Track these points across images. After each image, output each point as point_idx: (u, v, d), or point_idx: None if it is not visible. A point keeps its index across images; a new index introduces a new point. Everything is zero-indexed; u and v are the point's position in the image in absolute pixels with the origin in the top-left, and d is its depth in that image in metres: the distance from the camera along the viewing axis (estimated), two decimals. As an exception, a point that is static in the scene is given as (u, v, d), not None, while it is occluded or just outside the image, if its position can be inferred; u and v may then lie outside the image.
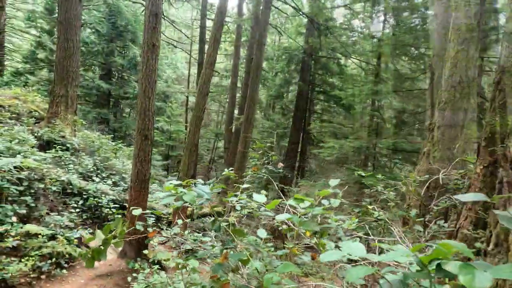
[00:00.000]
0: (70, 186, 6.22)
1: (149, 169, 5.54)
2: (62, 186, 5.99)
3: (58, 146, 7.29)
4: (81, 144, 8.08)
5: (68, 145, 7.71)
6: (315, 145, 18.99)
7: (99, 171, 7.66)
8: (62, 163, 7.02)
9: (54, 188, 5.72)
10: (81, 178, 6.87)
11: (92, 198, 6.30)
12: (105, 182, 7.21)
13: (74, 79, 9.29)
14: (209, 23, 22.03)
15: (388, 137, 9.53)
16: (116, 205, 6.70)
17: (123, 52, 16.50)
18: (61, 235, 5.13)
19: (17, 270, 4.05)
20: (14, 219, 4.58)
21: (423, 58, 10.31)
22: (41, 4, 18.88)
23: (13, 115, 8.48)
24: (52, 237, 5.05)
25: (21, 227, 4.63)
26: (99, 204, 6.38)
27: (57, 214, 5.54)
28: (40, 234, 4.79)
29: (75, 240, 5.22)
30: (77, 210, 5.90)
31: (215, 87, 26.79)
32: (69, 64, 9.14)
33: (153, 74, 5.21)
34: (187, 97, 26.48)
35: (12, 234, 4.33)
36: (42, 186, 5.53)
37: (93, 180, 7.04)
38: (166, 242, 6.69)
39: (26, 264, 4.22)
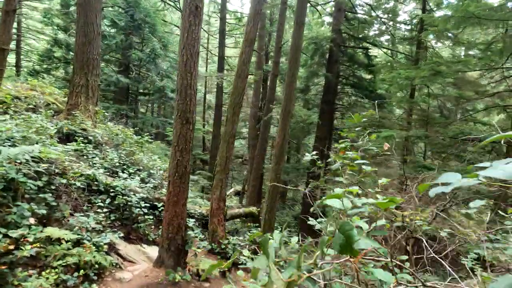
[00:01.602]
0: (96, 182, 5.34)
1: (190, 160, 4.61)
2: (87, 182, 5.12)
3: (80, 139, 6.45)
4: (105, 136, 7.24)
5: (90, 137, 6.87)
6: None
7: (124, 166, 6.79)
8: (85, 157, 6.17)
9: (78, 184, 4.84)
10: (107, 174, 6.00)
11: (120, 197, 5.41)
12: (133, 178, 6.32)
13: (95, 67, 8.49)
14: (235, 7, 21.16)
15: (441, 126, 8.40)
16: (147, 204, 5.80)
17: (142, 45, 15.76)
18: (88, 240, 4.24)
19: (36, 287, 3.15)
20: (32, 220, 3.70)
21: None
22: (56, 1, 18.37)
23: (30, 107, 7.72)
24: (78, 243, 4.17)
25: (41, 231, 3.74)
26: (129, 203, 5.48)
27: (82, 214, 4.65)
28: (63, 239, 3.91)
29: (105, 246, 4.33)
30: (104, 210, 5.01)
31: (229, 85, 25.96)
32: (89, 51, 8.33)
33: (196, 44, 4.27)
34: (205, 94, 25.74)
35: (30, 239, 3.44)
36: (64, 181, 4.66)
37: (119, 176, 6.17)
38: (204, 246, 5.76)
39: (47, 278, 3.33)
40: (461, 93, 8.75)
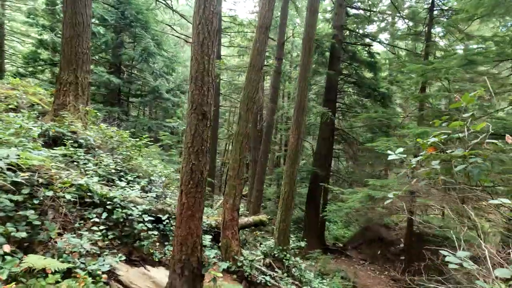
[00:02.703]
0: (89, 194, 4.44)
1: (207, 164, 3.76)
2: (79, 194, 4.21)
3: (69, 142, 5.54)
4: (98, 139, 6.32)
5: (81, 140, 5.95)
6: (347, 141, 17.21)
7: (122, 173, 5.88)
8: (75, 163, 5.26)
9: (68, 197, 3.93)
10: (102, 183, 5.10)
11: (119, 210, 4.52)
12: (132, 187, 5.42)
13: (84, 62, 7.57)
14: (224, 10, 20.37)
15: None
16: (151, 218, 4.92)
17: (134, 44, 14.80)
18: (82, 269, 3.34)
19: None
20: (6, 248, 2.80)
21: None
22: (42, 0, 17.27)
23: (10, 107, 6.76)
24: (68, 272, 3.27)
25: (20, 261, 2.84)
26: (129, 217, 4.59)
27: (73, 234, 3.75)
28: (49, 269, 3.01)
29: (104, 276, 3.43)
30: (101, 227, 4.11)
31: (226, 85, 25.08)
32: (78, 44, 7.42)
33: (214, 19, 3.44)
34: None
35: (3, 276, 2.53)
36: (50, 194, 3.75)
37: (116, 185, 5.27)
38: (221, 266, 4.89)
39: (28, 330, 2.44)
40: (484, 86, 8.08)
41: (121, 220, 4.49)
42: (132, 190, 5.09)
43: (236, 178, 5.64)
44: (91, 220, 4.21)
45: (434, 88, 13.37)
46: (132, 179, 5.81)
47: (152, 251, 4.76)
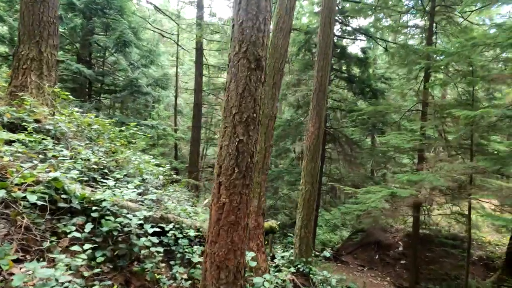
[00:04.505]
0: (64, 196, 2.97)
1: (258, 144, 2.45)
2: (49, 195, 2.74)
3: (31, 127, 4.00)
4: (71, 127, 4.78)
5: (49, 127, 4.41)
6: (339, 140, 16.28)
7: (106, 171, 4.39)
8: (41, 156, 3.73)
9: (31, 199, 2.46)
10: (85, 182, 3.62)
11: (110, 219, 3.07)
12: (121, 187, 3.95)
13: (51, 34, 5.99)
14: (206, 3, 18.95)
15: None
16: (155, 228, 3.49)
17: (106, 32, 13.02)
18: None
19: None
20: None
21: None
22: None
23: None
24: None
25: None
26: (125, 228, 3.16)
27: (39, 259, 2.30)
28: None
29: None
30: (85, 246, 2.66)
31: (205, 85, 23.55)
32: (42, 11, 5.85)
33: None
34: (176, 97, 23.29)
35: None
36: (1, 194, 2.28)
37: (101, 185, 3.79)
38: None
39: None
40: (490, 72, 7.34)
41: (115, 233, 3.04)
42: (127, 190, 3.63)
43: (260, 172, 4.34)
44: (69, 236, 2.74)
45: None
46: (120, 177, 4.33)
47: (157, 276, 3.33)
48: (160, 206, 4.28)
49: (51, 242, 2.56)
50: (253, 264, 3.33)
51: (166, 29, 23.50)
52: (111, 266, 2.98)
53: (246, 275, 4.30)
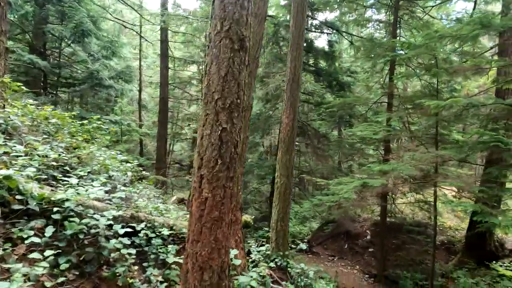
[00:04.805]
0: (19, 197, 2.61)
1: (242, 132, 2.27)
2: (1, 196, 2.38)
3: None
4: (25, 121, 4.28)
5: (-2, 121, 3.92)
6: (307, 133, 16.43)
7: (67, 168, 3.98)
8: (-10, 152, 3.28)
9: (-22, 201, 2.11)
10: (43, 181, 3.23)
11: (74, 220, 2.74)
12: (84, 185, 3.59)
13: (-2, 17, 5.37)
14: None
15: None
16: (127, 228, 3.19)
17: (62, 21, 12.09)
18: None
19: None
20: None
21: None
22: None
23: None
24: None
25: None
26: (92, 230, 2.85)
27: (-8, 272, 1.97)
28: None
29: None
30: (46, 252, 2.34)
31: (171, 79, 22.78)
32: (-14, -10, 5.22)
33: None
34: (140, 91, 22.37)
35: None
36: None
37: (62, 184, 3.41)
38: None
39: None
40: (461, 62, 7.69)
41: (80, 236, 2.72)
42: (93, 188, 3.29)
43: (238, 165, 4.14)
44: (26, 242, 2.40)
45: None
46: (84, 174, 3.94)
47: (130, 280, 3.05)
48: (130, 205, 3.96)
49: (4, 250, 2.21)
50: (238, 262, 3.15)
51: (128, 19, 22.40)
52: (77, 273, 2.67)
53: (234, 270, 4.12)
